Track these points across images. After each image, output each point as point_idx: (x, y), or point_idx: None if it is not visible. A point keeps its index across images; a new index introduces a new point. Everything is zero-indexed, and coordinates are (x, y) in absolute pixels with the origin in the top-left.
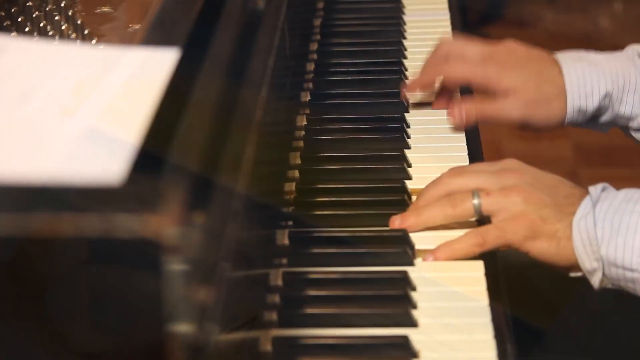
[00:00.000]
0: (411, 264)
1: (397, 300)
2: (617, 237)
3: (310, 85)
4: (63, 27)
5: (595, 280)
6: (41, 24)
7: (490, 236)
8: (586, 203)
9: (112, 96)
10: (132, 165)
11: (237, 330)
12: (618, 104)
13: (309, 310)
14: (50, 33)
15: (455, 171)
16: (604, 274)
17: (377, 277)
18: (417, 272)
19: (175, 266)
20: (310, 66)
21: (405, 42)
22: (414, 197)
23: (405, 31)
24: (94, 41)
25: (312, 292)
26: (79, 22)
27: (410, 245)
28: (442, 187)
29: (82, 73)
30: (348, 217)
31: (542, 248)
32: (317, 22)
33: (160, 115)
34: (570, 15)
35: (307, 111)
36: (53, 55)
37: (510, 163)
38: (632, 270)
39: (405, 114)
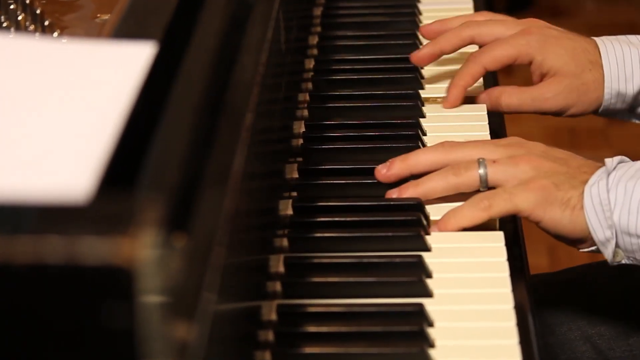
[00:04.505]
0: (428, 295)
1: (411, 338)
2: (631, 202)
3: (310, 85)
4: (20, 18)
5: (609, 253)
6: None
7: (498, 199)
8: (600, 172)
9: (78, 98)
10: (100, 179)
11: None
12: None
13: (308, 350)
14: (5, 24)
15: (455, 143)
16: (617, 245)
17: (387, 310)
18: (435, 304)
19: (151, 297)
20: (310, 63)
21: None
22: (430, 216)
23: (421, 22)
24: (56, 34)
25: (311, 328)
26: (38, 11)
27: (427, 273)
28: (441, 155)
29: (42, 71)
30: (353, 241)
31: (554, 216)
32: (318, 11)
33: (134, 120)
34: (613, 6)
35: (306, 116)
36: (8, 51)
37: (516, 138)
38: None
39: (421, 119)
